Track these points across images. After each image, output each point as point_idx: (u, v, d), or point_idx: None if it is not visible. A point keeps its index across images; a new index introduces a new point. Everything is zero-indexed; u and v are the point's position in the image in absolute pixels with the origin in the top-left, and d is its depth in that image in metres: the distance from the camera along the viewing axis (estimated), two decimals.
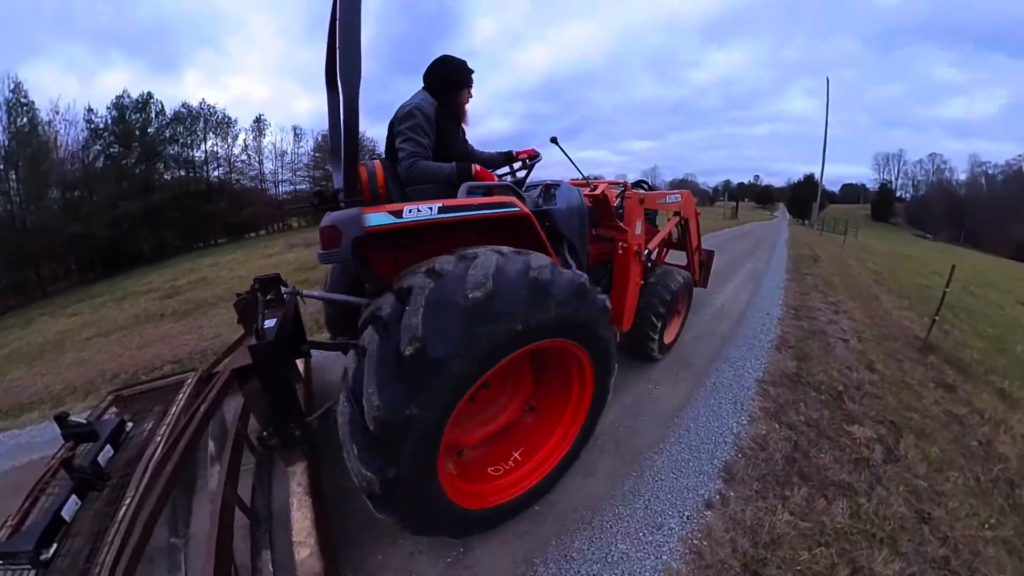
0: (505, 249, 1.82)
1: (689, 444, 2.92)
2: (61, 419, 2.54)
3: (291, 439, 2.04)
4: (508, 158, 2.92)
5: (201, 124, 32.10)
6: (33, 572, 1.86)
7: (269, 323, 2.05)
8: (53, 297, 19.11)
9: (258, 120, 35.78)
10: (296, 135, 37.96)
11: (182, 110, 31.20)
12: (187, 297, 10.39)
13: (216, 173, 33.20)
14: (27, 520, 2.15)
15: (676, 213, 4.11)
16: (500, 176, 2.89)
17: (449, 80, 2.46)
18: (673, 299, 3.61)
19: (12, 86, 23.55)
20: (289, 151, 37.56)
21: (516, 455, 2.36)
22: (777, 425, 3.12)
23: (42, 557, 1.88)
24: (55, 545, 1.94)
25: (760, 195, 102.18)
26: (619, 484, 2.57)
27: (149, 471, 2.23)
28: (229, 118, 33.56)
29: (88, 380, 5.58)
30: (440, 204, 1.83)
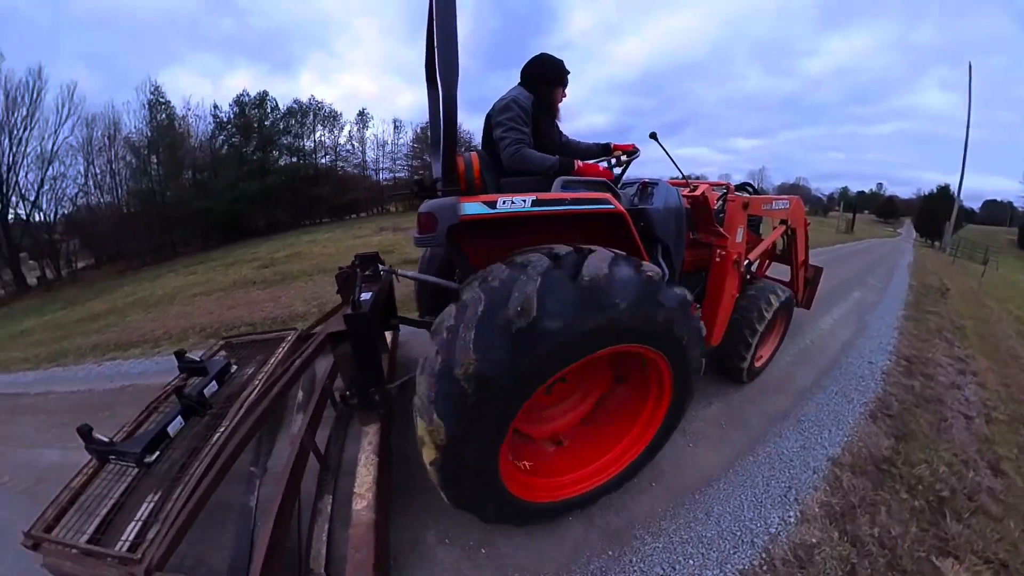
0: (563, 250, 1.73)
1: (700, 534, 2.22)
2: (179, 354, 3.01)
3: (370, 402, 2.17)
4: (606, 150, 2.86)
5: (311, 117, 35.38)
6: (136, 470, 2.26)
7: (365, 296, 2.22)
8: (180, 258, 22.32)
9: (362, 113, 38.66)
10: (396, 127, 40.40)
11: (294, 105, 34.69)
12: (279, 269, 11.40)
13: (323, 160, 36.41)
14: (139, 429, 2.58)
15: (783, 222, 3.74)
16: None
17: (546, 78, 2.52)
18: (771, 317, 3.30)
19: (152, 89, 28.52)
20: (389, 142, 40.17)
21: (526, 463, 2.30)
22: (836, 535, 2.25)
23: (146, 460, 2.27)
24: (157, 453, 2.33)
25: (883, 207, 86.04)
26: (584, 560, 2.09)
27: (244, 407, 2.55)
28: (336, 112, 36.59)
29: (182, 330, 6.60)
30: (534, 197, 1.84)
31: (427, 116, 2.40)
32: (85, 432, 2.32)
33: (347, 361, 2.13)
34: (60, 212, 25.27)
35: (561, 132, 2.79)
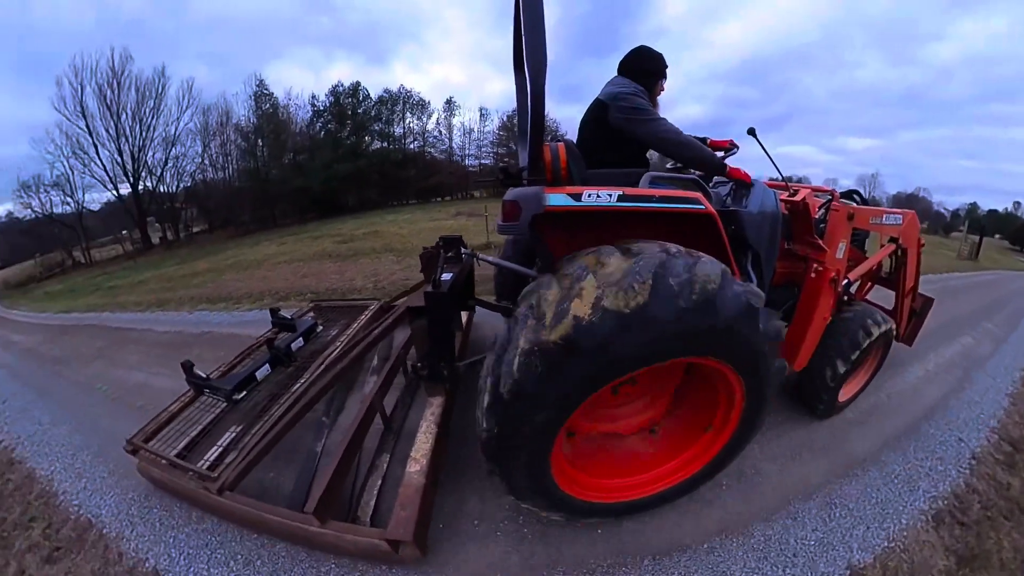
0: (607, 254, 1.66)
1: None
2: (274, 311, 3.41)
3: (439, 375, 2.23)
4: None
5: (400, 105, 37.55)
6: (225, 404, 2.63)
7: (446, 276, 2.28)
8: (279, 229, 25.11)
9: (449, 101, 40.21)
10: (482, 115, 41.41)
11: (384, 94, 37.11)
12: (354, 245, 12.27)
13: (412, 145, 38.55)
14: (233, 371, 2.98)
15: (893, 239, 3.29)
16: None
17: (646, 69, 2.47)
18: (865, 348, 2.89)
19: (257, 82, 32.75)
20: (475, 129, 41.34)
21: None
22: None
23: (234, 397, 2.61)
24: (245, 392, 2.67)
25: (1019, 231, 65.55)
26: None
27: (324, 364, 2.83)
28: (424, 100, 38.57)
29: (260, 292, 7.56)
30: (620, 192, 1.79)
31: (515, 104, 2.40)
32: (188, 367, 2.69)
33: (422, 335, 2.22)
34: (181, 185, 30.26)
35: None
